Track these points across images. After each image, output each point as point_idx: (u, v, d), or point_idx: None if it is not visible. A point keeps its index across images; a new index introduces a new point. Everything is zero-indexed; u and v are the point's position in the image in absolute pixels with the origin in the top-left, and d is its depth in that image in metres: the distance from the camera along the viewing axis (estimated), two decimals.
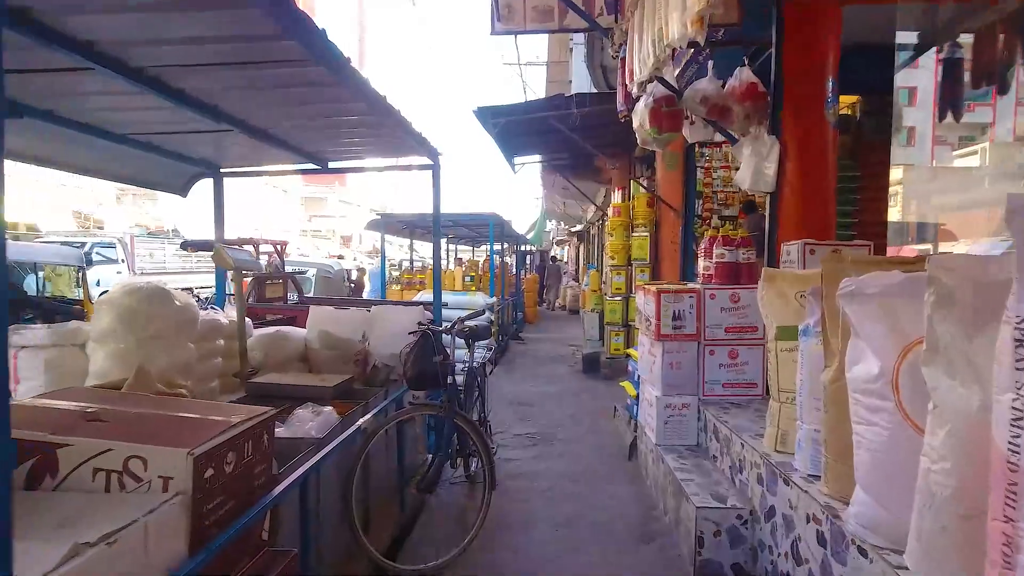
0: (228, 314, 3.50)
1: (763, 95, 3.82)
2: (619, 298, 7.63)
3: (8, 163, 0.96)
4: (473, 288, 8.73)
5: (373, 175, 46.83)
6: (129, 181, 4.37)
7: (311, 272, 11.21)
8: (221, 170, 4.36)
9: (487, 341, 5.38)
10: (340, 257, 33.01)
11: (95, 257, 13.60)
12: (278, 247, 9.05)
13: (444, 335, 3.49)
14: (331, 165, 4.46)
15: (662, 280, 7.12)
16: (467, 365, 4.05)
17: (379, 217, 8.42)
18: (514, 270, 15.15)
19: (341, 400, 3.10)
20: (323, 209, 44.45)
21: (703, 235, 4.47)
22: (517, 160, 10.38)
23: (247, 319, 3.58)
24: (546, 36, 11.57)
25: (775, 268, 3.22)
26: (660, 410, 3.75)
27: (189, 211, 33.32)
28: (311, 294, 11.06)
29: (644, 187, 7.67)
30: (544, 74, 15.17)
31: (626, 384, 4.90)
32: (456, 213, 8.48)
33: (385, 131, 3.57)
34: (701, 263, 4.02)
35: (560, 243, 36.32)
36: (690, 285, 3.98)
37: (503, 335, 10.37)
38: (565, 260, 30.72)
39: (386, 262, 8.75)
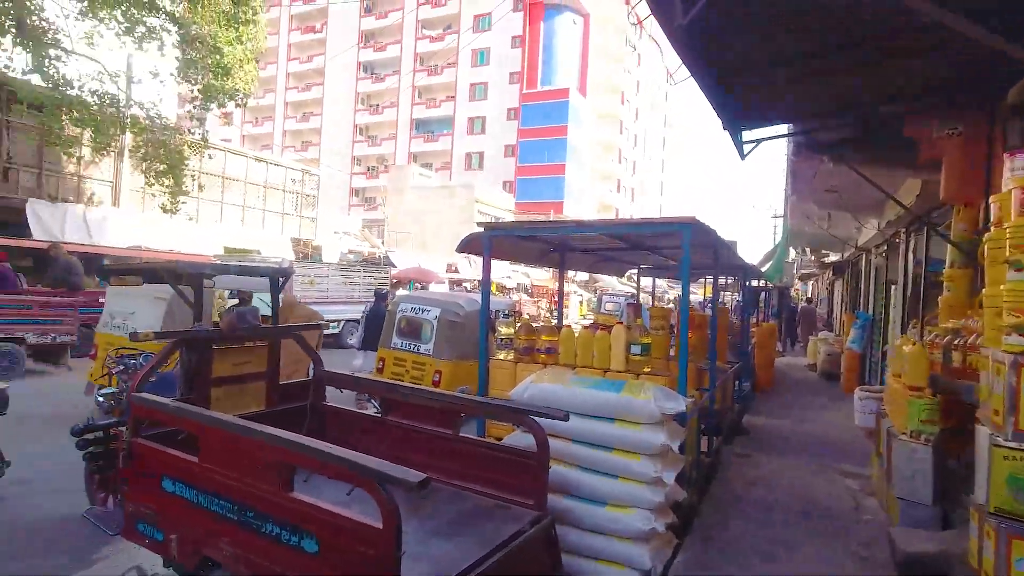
0: None
1: None
2: None
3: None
4: (646, 368, 4.29)
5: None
6: None
7: (432, 315, 7.77)
8: None
9: None
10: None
11: None
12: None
13: None
14: None
15: None
16: None
17: (481, 229, 4.57)
18: (741, 316, 10.05)
19: None
20: None
21: None
22: (748, 136, 5.69)
23: None
24: None
25: None
26: None
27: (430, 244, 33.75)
28: (430, 349, 7.62)
29: None
30: None
31: None
32: (610, 221, 4.33)
33: None
34: None
35: (804, 278, 28.81)
36: None
37: (711, 439, 5.63)
38: (809, 299, 23.59)
39: (489, 307, 4.81)
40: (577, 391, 3.69)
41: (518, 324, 5.69)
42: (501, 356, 5.09)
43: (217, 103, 14.15)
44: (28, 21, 13.11)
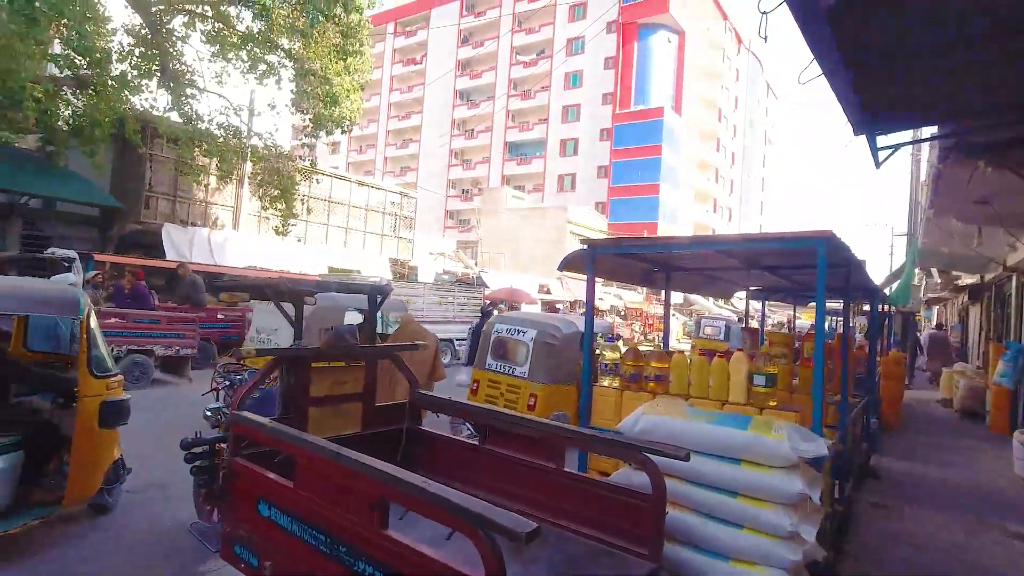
0: None
1: None
2: None
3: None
4: (771, 401, 3.78)
5: None
6: None
7: (528, 336, 7.53)
8: None
9: None
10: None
11: None
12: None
13: None
14: None
15: None
16: None
17: (585, 246, 4.27)
18: (868, 345, 9.02)
19: None
20: None
21: None
22: (883, 142, 5.03)
23: None
24: None
25: None
26: None
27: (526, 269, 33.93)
28: (525, 372, 7.37)
29: None
30: None
31: None
32: (732, 237, 3.83)
33: None
34: None
35: (932, 302, 26.07)
36: None
37: (841, 485, 4.92)
38: (939, 325, 21.14)
39: (593, 330, 4.48)
40: (696, 426, 3.27)
41: (624, 348, 5.28)
42: (606, 383, 4.71)
43: (326, 131, 14.99)
44: (171, 65, 14.57)
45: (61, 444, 3.84)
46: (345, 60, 14.09)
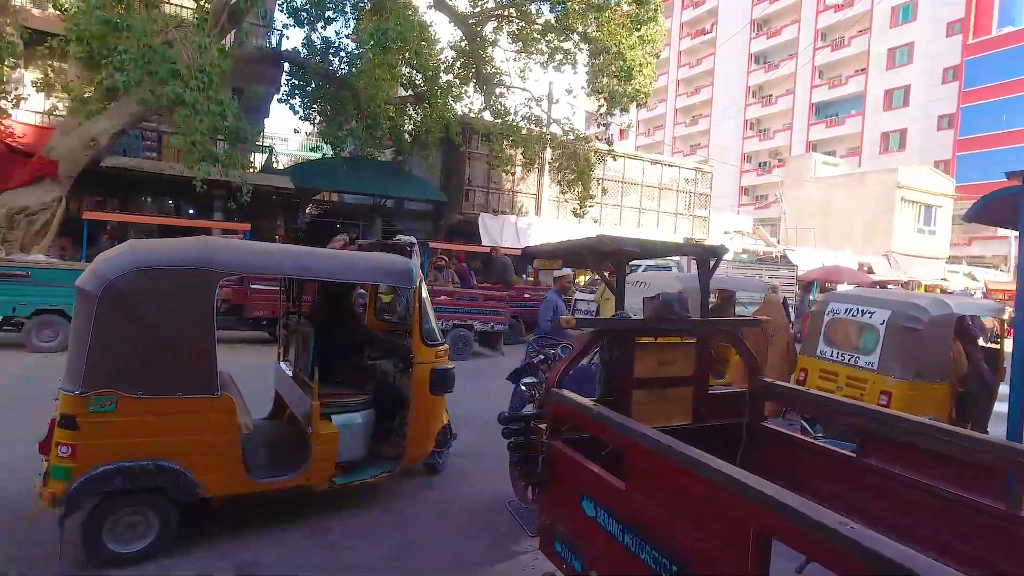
0: None
1: None
2: None
3: None
4: None
5: None
6: None
7: (877, 318, 5.85)
8: None
9: None
10: None
11: None
12: None
13: None
14: None
15: None
16: None
17: (1018, 183, 2.77)
18: None
19: None
20: None
21: None
22: None
23: None
24: None
25: None
26: None
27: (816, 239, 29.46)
28: (872, 363, 5.77)
29: None
30: None
31: None
32: None
33: None
34: None
35: None
36: None
37: None
38: None
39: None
40: None
41: None
42: None
43: (621, 107, 14.73)
44: (483, 70, 16.04)
45: (402, 406, 4.08)
46: (639, 29, 13.57)
